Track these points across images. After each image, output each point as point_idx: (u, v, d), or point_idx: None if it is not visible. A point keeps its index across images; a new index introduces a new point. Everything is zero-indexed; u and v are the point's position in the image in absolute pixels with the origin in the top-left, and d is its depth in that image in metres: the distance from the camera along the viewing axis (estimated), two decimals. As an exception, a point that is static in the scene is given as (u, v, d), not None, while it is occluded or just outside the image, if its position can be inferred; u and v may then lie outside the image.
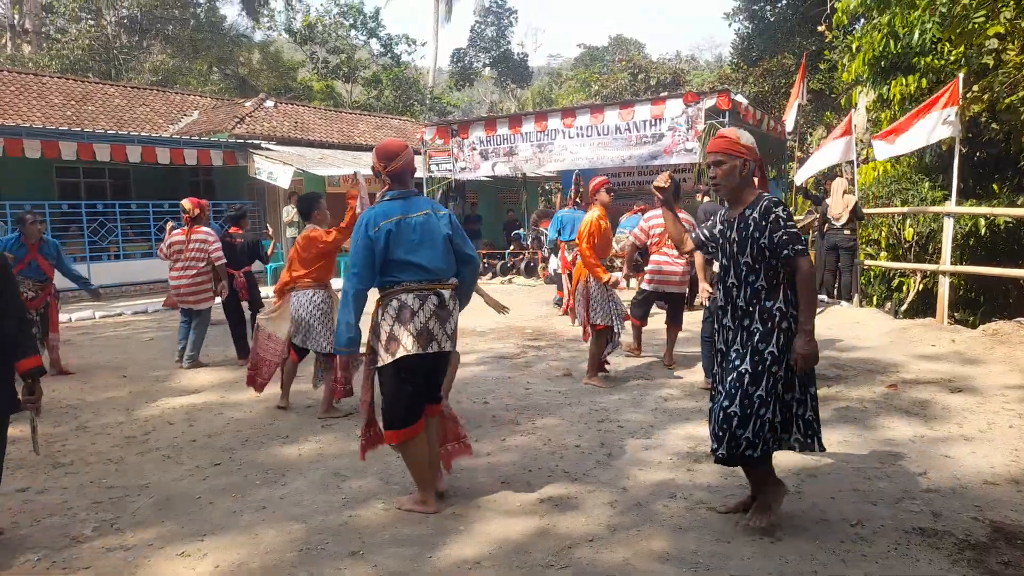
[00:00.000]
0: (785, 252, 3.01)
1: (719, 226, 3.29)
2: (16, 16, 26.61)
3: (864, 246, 10.19)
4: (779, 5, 20.34)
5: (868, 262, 10.07)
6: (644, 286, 6.63)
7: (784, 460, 4.01)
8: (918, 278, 9.76)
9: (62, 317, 10.39)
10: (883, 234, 10.32)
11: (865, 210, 9.70)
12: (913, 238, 9.87)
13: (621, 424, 4.81)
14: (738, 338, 3.14)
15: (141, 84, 23.32)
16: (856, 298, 9.44)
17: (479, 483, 3.83)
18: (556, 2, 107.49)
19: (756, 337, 3.06)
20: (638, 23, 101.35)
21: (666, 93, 15.70)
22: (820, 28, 15.66)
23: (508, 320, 8.34)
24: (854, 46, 10.26)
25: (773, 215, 3.05)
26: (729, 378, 3.10)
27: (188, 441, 4.74)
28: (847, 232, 9.18)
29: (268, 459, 4.34)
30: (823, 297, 9.22)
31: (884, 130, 8.90)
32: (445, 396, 3.89)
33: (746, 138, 3.21)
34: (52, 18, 26.75)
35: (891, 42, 9.27)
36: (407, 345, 3.30)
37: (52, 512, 3.62)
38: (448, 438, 3.74)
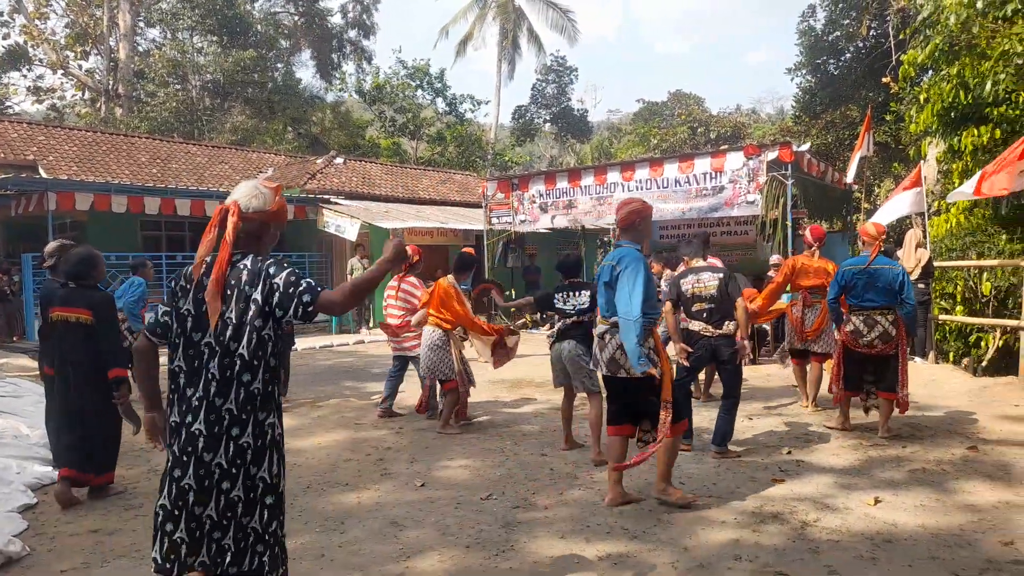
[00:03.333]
0: None
1: None
2: (111, 82, 28.73)
3: (939, 300, 9.79)
4: (843, 59, 20.21)
5: (943, 317, 9.65)
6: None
7: (858, 525, 3.83)
8: (997, 334, 9.28)
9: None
10: (958, 288, 9.89)
11: (938, 263, 9.35)
12: (991, 292, 9.43)
13: (682, 481, 4.68)
14: None
15: (221, 143, 24.68)
16: (931, 354, 9.02)
17: (537, 538, 3.78)
18: (616, 59, 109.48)
19: None
20: (698, 78, 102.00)
21: (727, 146, 15.68)
22: (885, 80, 15.48)
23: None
24: (922, 97, 10.07)
25: None
26: None
27: (252, 486, 4.83)
28: (920, 286, 8.86)
29: (328, 506, 4.39)
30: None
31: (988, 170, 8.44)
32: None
33: None
34: (143, 83, 28.73)
35: (961, 93, 9.06)
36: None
37: (121, 554, 3.73)
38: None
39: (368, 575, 3.39)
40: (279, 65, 33.12)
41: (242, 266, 2.50)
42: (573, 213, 13.55)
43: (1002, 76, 8.16)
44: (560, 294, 5.51)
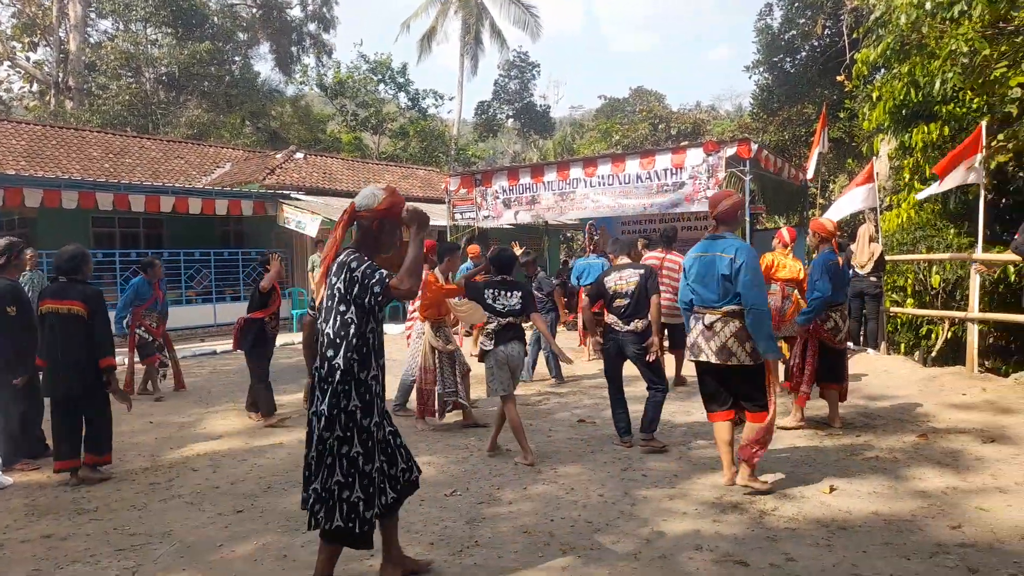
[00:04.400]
0: None
1: None
2: (61, 74, 27.82)
3: (890, 293, 10.07)
4: (799, 57, 20.61)
5: (894, 309, 9.93)
6: None
7: (814, 513, 3.92)
8: (946, 325, 9.59)
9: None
10: (909, 281, 10.20)
11: (890, 257, 9.62)
12: (940, 285, 9.74)
13: (645, 473, 4.74)
14: None
15: (176, 137, 24.11)
16: (883, 345, 9.29)
17: (500, 533, 3.79)
18: (578, 55, 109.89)
19: None
20: (659, 75, 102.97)
21: (687, 142, 15.87)
22: (839, 78, 15.83)
23: (530, 367, 8.34)
24: (874, 95, 10.33)
25: None
26: None
27: (211, 488, 4.76)
28: (872, 279, 9.10)
29: (290, 506, 4.33)
30: (849, 344, 9.09)
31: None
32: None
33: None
34: (94, 76, 27.87)
35: (912, 91, 9.32)
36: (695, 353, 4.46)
37: (75, 559, 3.64)
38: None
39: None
40: (236, 58, 32.46)
41: (340, 258, 2.93)
42: (536, 209, 13.57)
43: (950, 75, 8.42)
44: (491, 290, 5.26)
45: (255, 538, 3.84)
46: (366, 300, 2.84)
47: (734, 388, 4.42)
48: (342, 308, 2.89)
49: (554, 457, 5.20)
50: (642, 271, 5.43)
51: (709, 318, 4.34)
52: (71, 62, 27.46)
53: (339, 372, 2.88)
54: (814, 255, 5.90)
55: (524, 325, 5.41)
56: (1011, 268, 8.77)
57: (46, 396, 5.03)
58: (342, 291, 2.89)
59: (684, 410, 6.60)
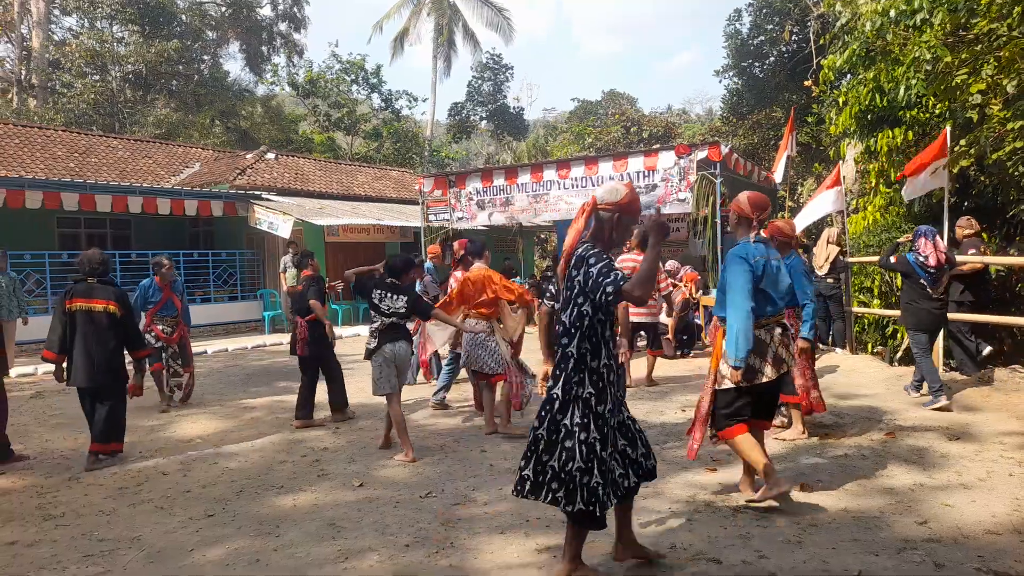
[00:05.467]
0: None
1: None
2: (23, 71, 27.16)
3: (857, 294, 10.26)
4: (768, 62, 20.94)
5: (861, 309, 10.13)
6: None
7: (784, 509, 3.98)
8: (912, 326, 9.78)
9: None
10: (875, 282, 10.40)
11: (855, 259, 9.81)
12: (906, 286, 9.92)
13: (619, 473, 4.77)
14: None
15: (144, 137, 23.68)
16: (849, 345, 9.47)
17: (477, 534, 3.79)
18: (551, 58, 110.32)
19: None
20: (631, 78, 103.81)
21: (658, 145, 16.02)
22: (807, 83, 16.11)
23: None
24: (841, 100, 10.52)
25: None
26: None
27: (182, 492, 4.69)
28: (830, 281, 9.32)
29: (263, 510, 4.29)
30: (819, 344, 9.26)
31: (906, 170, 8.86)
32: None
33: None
34: (59, 73, 27.27)
35: (877, 96, 9.52)
36: (767, 373, 3.96)
37: (42, 566, 3.56)
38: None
39: (306, 578, 3.33)
40: (205, 57, 32.02)
41: (579, 252, 3.08)
42: (510, 211, 13.59)
43: (914, 81, 8.61)
44: (379, 291, 5.49)
45: (227, 543, 3.79)
46: (597, 296, 2.97)
47: (770, 396, 4.18)
48: (579, 300, 3.05)
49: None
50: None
51: (776, 328, 4.05)
52: (34, 59, 26.84)
53: (572, 360, 3.05)
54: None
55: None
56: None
57: (75, 385, 5.45)
58: (581, 284, 3.04)
59: (658, 410, 6.66)
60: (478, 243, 6.46)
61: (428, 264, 9.93)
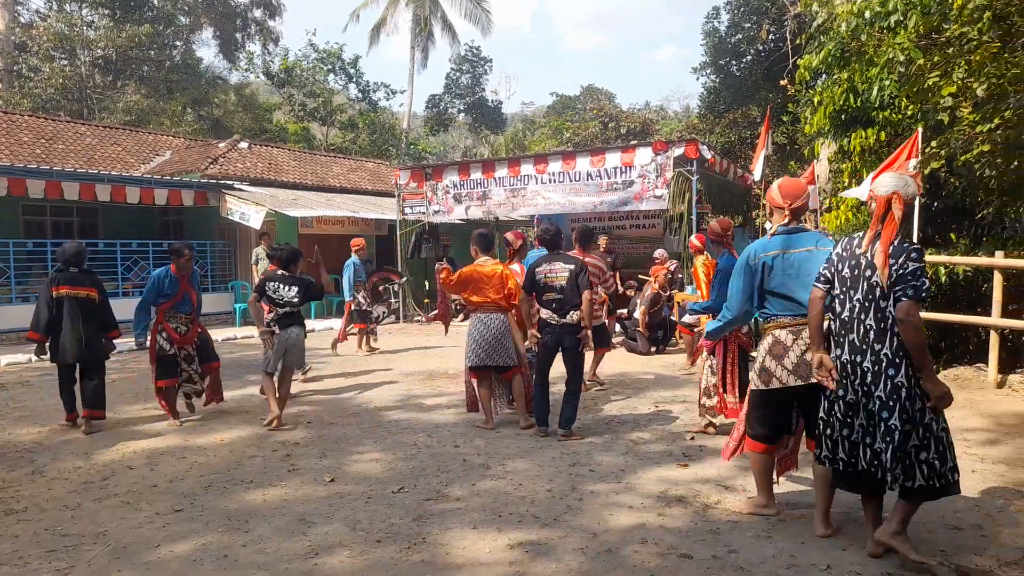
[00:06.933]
0: None
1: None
2: (-13, 54, 26.47)
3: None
4: (744, 61, 21.10)
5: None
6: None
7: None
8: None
9: (21, 357, 10.13)
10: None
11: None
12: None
13: (592, 468, 4.79)
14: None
15: (113, 124, 23.19)
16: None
17: (449, 529, 3.77)
18: (530, 52, 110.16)
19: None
20: (609, 74, 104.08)
21: (636, 141, 16.08)
22: (783, 82, 16.26)
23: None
24: (816, 100, 10.63)
25: None
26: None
27: (148, 486, 4.61)
28: None
29: (232, 504, 4.23)
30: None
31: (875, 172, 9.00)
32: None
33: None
34: (25, 57, 26.59)
35: (851, 97, 9.63)
36: (781, 378, 3.68)
37: (2, 562, 3.47)
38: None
39: (274, 573, 3.29)
40: (178, 43, 31.43)
41: (895, 244, 3.15)
42: (487, 204, 13.56)
43: (887, 82, 8.73)
44: (273, 283, 6.10)
45: (194, 538, 3.73)
46: (907, 292, 3.09)
47: (794, 410, 3.91)
48: (910, 292, 3.10)
49: (503, 453, 5.20)
50: (573, 265, 5.51)
51: (782, 331, 3.68)
52: None
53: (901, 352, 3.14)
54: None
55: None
56: (942, 270, 9.16)
57: (63, 361, 6.13)
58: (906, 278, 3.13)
59: (631, 406, 6.69)
60: (488, 235, 6.20)
61: (354, 259, 9.91)
